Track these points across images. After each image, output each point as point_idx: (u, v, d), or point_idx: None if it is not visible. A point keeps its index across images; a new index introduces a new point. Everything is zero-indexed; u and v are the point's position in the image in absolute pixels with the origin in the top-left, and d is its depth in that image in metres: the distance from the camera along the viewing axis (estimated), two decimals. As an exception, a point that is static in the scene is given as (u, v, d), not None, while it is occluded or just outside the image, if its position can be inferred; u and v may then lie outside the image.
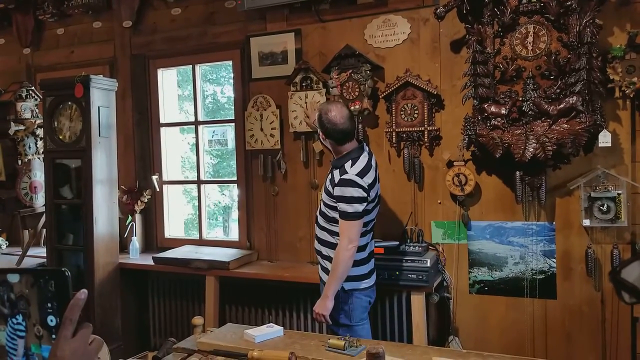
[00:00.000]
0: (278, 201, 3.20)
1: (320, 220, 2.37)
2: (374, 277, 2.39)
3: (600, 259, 2.53)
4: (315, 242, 2.42)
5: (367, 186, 2.22)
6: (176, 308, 3.44)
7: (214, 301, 3.07)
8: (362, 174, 2.22)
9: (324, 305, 2.24)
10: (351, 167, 2.24)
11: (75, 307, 0.73)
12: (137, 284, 3.51)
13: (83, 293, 0.75)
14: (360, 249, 2.28)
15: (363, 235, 2.29)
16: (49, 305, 0.75)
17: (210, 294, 3.07)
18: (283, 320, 3.09)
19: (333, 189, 2.25)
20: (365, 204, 2.21)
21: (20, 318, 0.77)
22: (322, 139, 2.37)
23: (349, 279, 2.27)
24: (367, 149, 2.38)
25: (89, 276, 3.09)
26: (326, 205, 2.32)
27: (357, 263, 2.28)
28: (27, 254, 3.59)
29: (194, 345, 1.78)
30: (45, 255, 3.38)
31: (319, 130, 2.35)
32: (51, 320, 0.76)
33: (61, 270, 0.76)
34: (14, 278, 0.78)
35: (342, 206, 2.20)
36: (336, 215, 2.25)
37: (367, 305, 2.35)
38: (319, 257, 2.42)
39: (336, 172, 2.27)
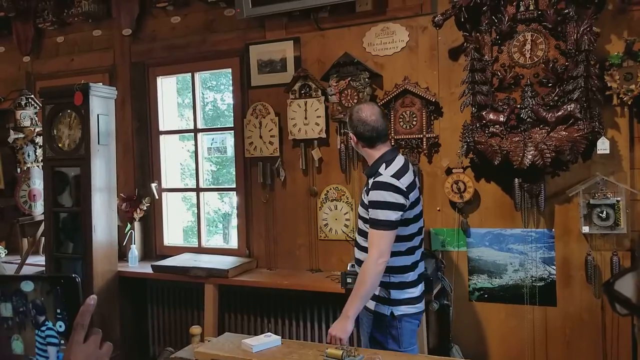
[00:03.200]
0: (277, 209, 3.20)
1: (360, 240, 2.14)
2: (423, 301, 2.19)
3: (600, 266, 2.52)
4: (356, 267, 2.18)
5: (405, 188, 1.99)
6: (175, 316, 3.43)
7: (213, 309, 3.06)
8: (398, 175, 2.01)
9: (343, 328, 1.94)
10: (385, 169, 2.04)
11: (86, 313, 0.75)
12: (136, 292, 3.50)
13: (93, 299, 0.76)
14: (409, 268, 2.09)
15: (410, 252, 2.09)
16: (58, 311, 0.77)
17: (209, 302, 3.06)
18: (282, 328, 3.08)
19: (368, 196, 2.05)
20: (401, 212, 1.98)
21: (50, 324, 0.78)
22: (354, 144, 2.19)
23: (400, 303, 2.06)
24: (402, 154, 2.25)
25: (87, 284, 3.08)
26: (363, 219, 2.10)
27: (408, 285, 2.09)
28: (26, 262, 3.59)
29: (192, 355, 1.78)
30: (44, 263, 3.37)
31: (350, 133, 2.18)
32: (60, 326, 0.77)
33: (71, 276, 0.78)
34: (27, 287, 0.78)
35: (373, 212, 1.98)
36: None
37: (415, 329, 2.15)
38: None
39: (371, 180, 2.08)
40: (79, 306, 0.75)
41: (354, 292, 2.01)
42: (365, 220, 2.09)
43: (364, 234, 2.11)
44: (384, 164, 2.06)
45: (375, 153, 2.12)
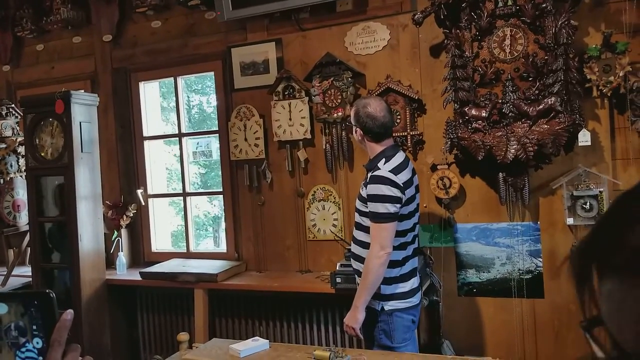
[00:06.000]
0: (265, 211, 3.19)
1: (356, 234, 2.19)
2: (418, 295, 2.21)
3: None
4: (352, 260, 2.24)
5: (402, 184, 2.03)
6: (165, 323, 3.40)
7: (203, 314, 3.04)
8: (396, 170, 2.05)
9: (354, 317, 2.07)
10: (384, 164, 2.07)
11: (63, 329, 0.73)
12: (125, 300, 3.47)
13: (69, 314, 0.73)
14: (399, 263, 2.11)
15: (402, 247, 2.12)
16: (34, 327, 0.75)
17: (199, 307, 3.04)
18: (274, 330, 3.07)
19: (366, 189, 2.08)
20: (399, 205, 2.03)
21: (30, 346, 0.76)
22: (358, 137, 2.18)
23: (389, 297, 2.10)
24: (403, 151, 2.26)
25: (75, 294, 3.05)
26: (360, 213, 2.14)
27: (397, 280, 2.11)
28: (12, 273, 3.54)
29: (180, 362, 1.77)
30: (30, 274, 3.33)
31: (355, 127, 2.17)
32: (37, 343, 0.75)
33: (45, 292, 0.75)
34: (1, 309, 0.76)
35: (373, 206, 2.02)
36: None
37: (409, 325, 2.16)
38: (357, 277, 2.20)
39: (369, 174, 2.11)
40: (56, 322, 0.73)
41: (360, 284, 2.09)
42: (361, 213, 2.13)
43: (360, 227, 2.15)
44: (384, 158, 2.09)
45: (378, 148, 2.14)
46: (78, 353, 0.74)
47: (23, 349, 0.76)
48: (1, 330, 0.77)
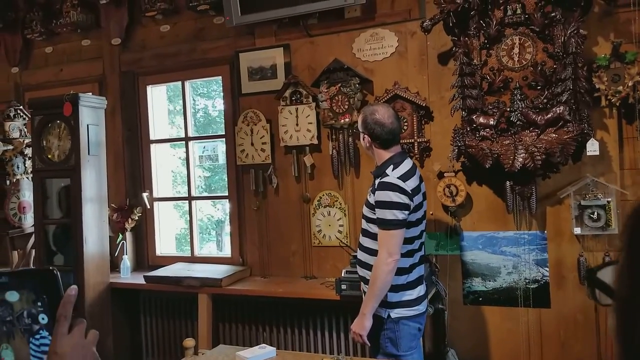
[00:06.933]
0: (270, 216, 3.18)
1: (363, 241, 2.18)
2: (424, 303, 2.20)
3: (592, 267, 2.53)
4: (358, 267, 2.22)
5: (411, 190, 2.03)
6: (169, 327, 3.39)
7: (207, 319, 3.03)
8: (404, 177, 2.05)
9: (361, 324, 2.06)
10: (393, 170, 2.07)
11: (68, 304, 0.75)
12: (129, 304, 3.46)
13: (73, 289, 0.76)
14: (406, 270, 2.11)
15: (409, 255, 2.11)
16: (39, 304, 0.77)
17: (203, 312, 3.03)
18: (278, 337, 3.06)
19: (374, 196, 2.07)
20: (407, 212, 2.03)
21: (44, 333, 0.78)
22: (366, 144, 2.18)
23: (396, 305, 2.09)
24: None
25: (79, 296, 3.02)
26: (367, 219, 2.13)
27: (404, 287, 2.11)
28: (17, 275, 3.54)
29: (185, 368, 1.75)
30: (34, 276, 3.33)
31: (363, 134, 2.17)
32: (42, 319, 0.77)
33: (49, 269, 0.78)
34: (12, 297, 0.78)
35: (381, 212, 2.02)
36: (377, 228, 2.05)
37: (416, 333, 2.15)
38: (362, 284, 2.21)
39: (377, 180, 2.11)
40: (60, 298, 0.76)
41: (368, 291, 2.07)
42: (368, 220, 2.13)
43: (367, 234, 2.15)
44: (392, 165, 2.10)
45: (386, 154, 2.15)
46: (84, 326, 0.77)
47: (37, 336, 0.78)
48: (13, 317, 0.79)
